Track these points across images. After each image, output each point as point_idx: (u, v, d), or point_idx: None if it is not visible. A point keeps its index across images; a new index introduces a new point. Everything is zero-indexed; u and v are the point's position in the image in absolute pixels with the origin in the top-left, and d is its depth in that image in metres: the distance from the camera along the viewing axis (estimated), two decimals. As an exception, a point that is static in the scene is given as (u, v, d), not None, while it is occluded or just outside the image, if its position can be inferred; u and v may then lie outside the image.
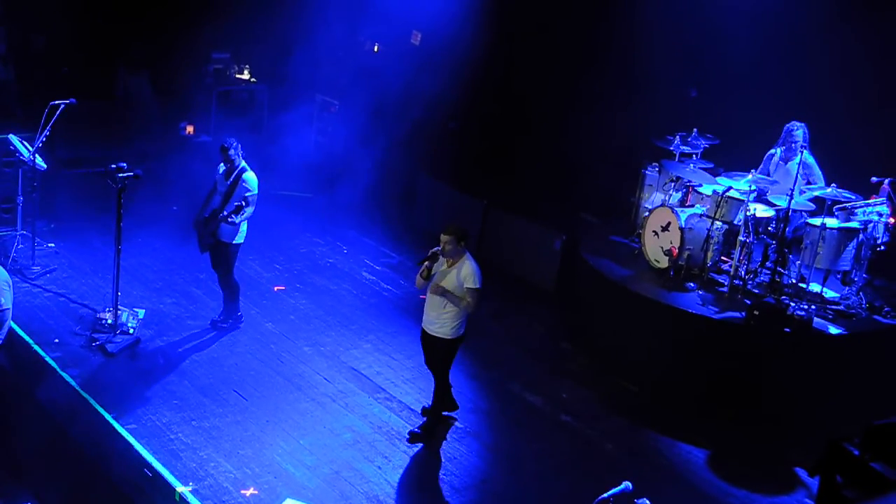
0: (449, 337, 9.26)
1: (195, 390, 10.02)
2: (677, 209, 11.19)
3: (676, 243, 10.99)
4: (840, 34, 11.64)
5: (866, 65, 11.50)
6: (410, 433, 9.55)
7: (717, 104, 12.56)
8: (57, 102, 11.78)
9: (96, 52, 14.71)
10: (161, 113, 14.83)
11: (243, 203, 10.64)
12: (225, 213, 10.57)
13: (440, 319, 9.21)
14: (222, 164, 10.84)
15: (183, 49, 14.98)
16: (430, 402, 9.80)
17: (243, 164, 10.78)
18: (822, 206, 10.74)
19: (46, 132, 11.77)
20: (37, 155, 11.87)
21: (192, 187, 12.47)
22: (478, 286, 9.08)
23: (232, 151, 10.67)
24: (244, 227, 10.86)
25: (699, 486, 9.38)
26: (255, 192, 10.75)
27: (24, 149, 11.96)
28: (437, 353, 9.45)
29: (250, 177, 10.74)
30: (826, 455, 8.37)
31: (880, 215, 10.63)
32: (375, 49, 15.99)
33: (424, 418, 9.66)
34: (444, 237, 9.05)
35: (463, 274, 9.06)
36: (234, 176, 10.71)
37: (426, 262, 9.14)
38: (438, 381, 9.59)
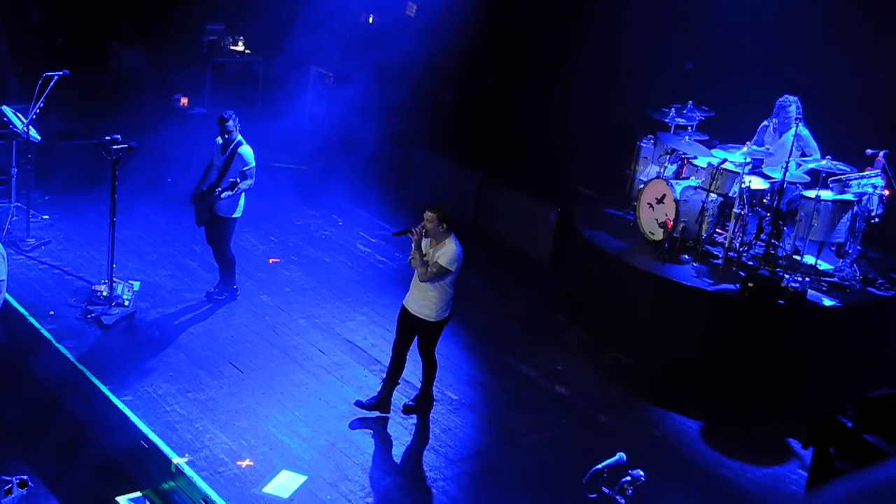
0: (433, 319, 9.07)
1: (191, 362, 10.04)
2: (672, 181, 11.19)
3: (671, 215, 10.99)
4: (836, 6, 11.61)
5: (862, 37, 11.47)
6: (405, 405, 9.58)
7: (712, 76, 12.53)
8: (51, 74, 11.72)
9: (90, 23, 14.63)
10: (155, 85, 14.77)
11: (239, 179, 10.61)
12: (219, 189, 10.56)
13: (426, 298, 9.03)
14: (219, 137, 10.81)
15: (177, 21, 14.90)
16: (411, 400, 9.62)
17: (239, 137, 10.76)
18: (817, 179, 10.74)
19: (40, 104, 11.71)
20: (31, 127, 11.82)
21: (187, 159, 12.44)
22: (446, 266, 8.83)
23: (230, 123, 10.64)
24: (242, 201, 10.84)
25: (693, 458, 9.43)
26: (253, 165, 10.73)
27: (17, 121, 11.91)
28: (420, 337, 9.27)
29: (246, 150, 10.71)
30: (819, 427, 8.41)
31: (875, 187, 10.63)
32: (370, 20, 15.92)
33: (417, 391, 9.66)
34: (427, 214, 8.90)
35: (440, 252, 8.89)
36: (230, 150, 10.69)
37: (404, 234, 9.06)
38: (426, 363, 9.42)
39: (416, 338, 9.32)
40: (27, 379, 9.84)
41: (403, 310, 9.26)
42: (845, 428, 8.16)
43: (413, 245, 8.96)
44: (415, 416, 9.52)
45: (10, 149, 12.15)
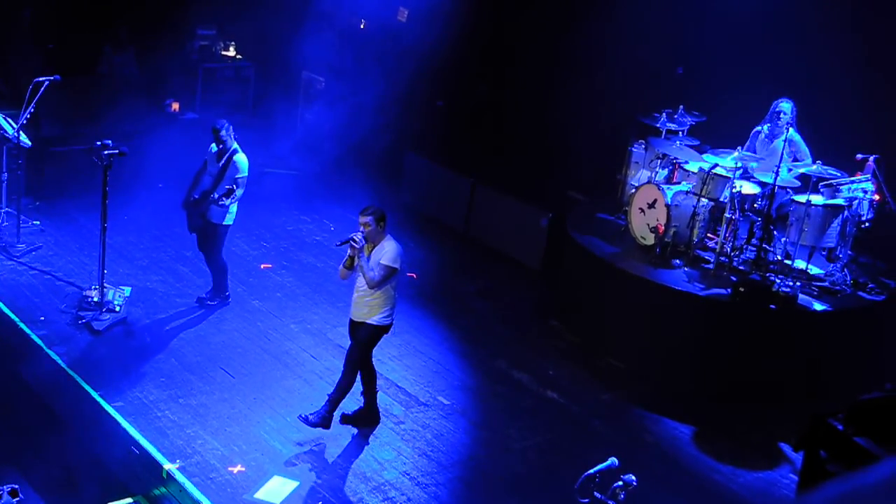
0: (373, 322, 8.84)
1: (182, 368, 10.02)
2: (663, 186, 11.20)
3: (663, 220, 11.00)
4: (826, 10, 11.64)
5: (852, 41, 11.49)
6: (304, 416, 9.08)
7: (703, 81, 12.56)
8: (41, 79, 11.71)
9: (81, 28, 14.62)
10: (146, 90, 14.75)
11: (234, 186, 10.59)
12: (216, 195, 10.52)
13: (369, 305, 8.82)
14: (214, 145, 10.79)
15: (168, 25, 14.89)
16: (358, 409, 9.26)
17: (235, 145, 10.73)
18: (808, 183, 10.77)
19: (31, 109, 11.71)
20: (21, 132, 11.80)
21: (178, 164, 12.44)
22: (391, 264, 8.65)
23: (223, 132, 10.62)
24: (234, 208, 10.82)
25: (685, 462, 9.44)
26: (245, 174, 10.71)
27: (8, 126, 11.89)
28: (354, 340, 8.98)
29: (241, 159, 10.69)
30: (810, 430, 8.42)
31: (865, 192, 10.66)
32: (362, 26, 15.93)
33: (408, 395, 9.62)
34: (363, 218, 8.66)
35: (381, 253, 8.70)
36: (225, 157, 10.66)
37: (346, 245, 8.69)
38: (348, 370, 8.97)
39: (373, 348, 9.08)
40: (17, 385, 9.81)
41: (350, 322, 9.07)
42: (836, 431, 8.18)
43: (350, 253, 8.68)
44: (407, 421, 9.51)
45: (0, 154, 12.12)
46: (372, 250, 8.76)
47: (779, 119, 11.19)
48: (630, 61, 13.08)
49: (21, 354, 10.13)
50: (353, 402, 9.50)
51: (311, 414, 8.97)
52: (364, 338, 8.96)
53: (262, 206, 13.53)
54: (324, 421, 8.93)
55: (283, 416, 9.34)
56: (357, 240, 8.60)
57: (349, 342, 9.15)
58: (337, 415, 9.06)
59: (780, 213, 11.05)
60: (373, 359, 9.29)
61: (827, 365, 10.39)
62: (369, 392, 9.29)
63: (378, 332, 8.96)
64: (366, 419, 9.31)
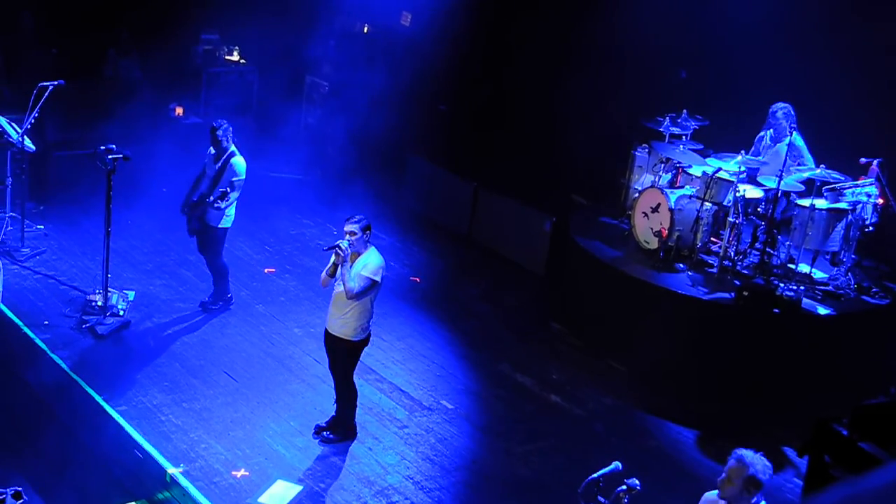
0: (351, 338, 8.76)
1: (185, 372, 10.02)
2: (667, 190, 11.19)
3: (666, 224, 11.00)
4: (829, 13, 11.64)
5: (856, 44, 11.49)
6: (316, 426, 9.20)
7: (706, 85, 12.56)
8: (46, 84, 11.73)
9: (85, 32, 14.64)
10: (150, 94, 14.76)
11: (228, 188, 10.59)
12: (211, 198, 10.54)
13: (344, 318, 8.73)
14: (212, 147, 10.80)
15: (172, 30, 14.91)
16: (331, 418, 9.24)
17: (233, 148, 10.74)
18: (812, 187, 10.76)
19: (35, 114, 11.72)
20: (25, 136, 11.82)
21: (182, 169, 12.43)
22: (373, 276, 8.55)
23: (220, 132, 10.62)
24: (232, 211, 10.82)
25: (688, 466, 9.43)
26: (242, 177, 10.69)
27: (12, 130, 11.90)
28: (338, 357, 8.97)
29: (238, 161, 10.69)
30: (814, 435, 8.41)
31: (869, 196, 10.65)
32: (365, 30, 15.94)
33: (410, 398, 9.62)
34: (349, 226, 8.58)
35: (364, 264, 8.60)
36: (222, 160, 10.67)
37: (332, 250, 8.61)
38: (341, 386, 9.07)
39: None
40: (21, 389, 9.82)
41: (326, 333, 8.98)
42: (840, 436, 8.17)
43: (335, 261, 8.61)
44: (410, 425, 9.51)
45: (4, 159, 12.14)
46: (355, 260, 8.67)
47: (776, 122, 11.17)
48: (633, 65, 13.08)
49: (25, 358, 10.14)
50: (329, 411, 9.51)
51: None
52: (345, 358, 8.94)
53: (265, 211, 13.54)
54: (343, 434, 9.18)
55: (287, 421, 9.34)
56: (343, 248, 8.51)
57: (327, 355, 9.09)
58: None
59: (784, 217, 11.05)
60: (375, 362, 9.30)
61: (831, 369, 10.37)
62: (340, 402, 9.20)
63: (357, 348, 8.89)
64: (341, 429, 9.20)
